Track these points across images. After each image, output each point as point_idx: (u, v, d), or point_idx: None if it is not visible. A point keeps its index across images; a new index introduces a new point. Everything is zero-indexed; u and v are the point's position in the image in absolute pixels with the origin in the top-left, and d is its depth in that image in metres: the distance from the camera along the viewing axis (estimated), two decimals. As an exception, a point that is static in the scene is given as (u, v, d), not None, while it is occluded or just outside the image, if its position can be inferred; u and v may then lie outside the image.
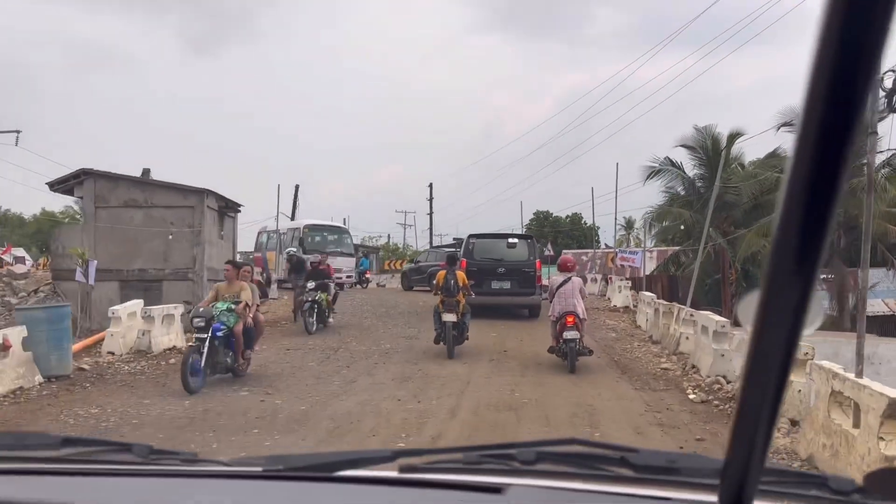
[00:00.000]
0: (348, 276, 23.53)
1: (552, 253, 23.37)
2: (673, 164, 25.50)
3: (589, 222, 50.23)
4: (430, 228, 47.22)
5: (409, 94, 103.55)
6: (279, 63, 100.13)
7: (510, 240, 15.64)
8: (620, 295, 19.29)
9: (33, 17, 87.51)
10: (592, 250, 36.42)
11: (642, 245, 25.87)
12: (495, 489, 1.03)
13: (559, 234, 53.94)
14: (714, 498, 0.74)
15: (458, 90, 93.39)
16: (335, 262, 18.00)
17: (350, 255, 24.61)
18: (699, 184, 25.09)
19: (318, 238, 23.60)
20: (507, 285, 14.83)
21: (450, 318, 10.30)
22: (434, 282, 11.17)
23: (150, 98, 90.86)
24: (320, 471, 1.16)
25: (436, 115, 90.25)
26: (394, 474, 1.14)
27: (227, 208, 19.39)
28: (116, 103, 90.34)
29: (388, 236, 60.62)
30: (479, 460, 1.17)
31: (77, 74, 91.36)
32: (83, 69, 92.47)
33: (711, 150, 24.18)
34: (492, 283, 14.37)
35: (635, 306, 16.97)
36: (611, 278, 22.93)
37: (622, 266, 25.07)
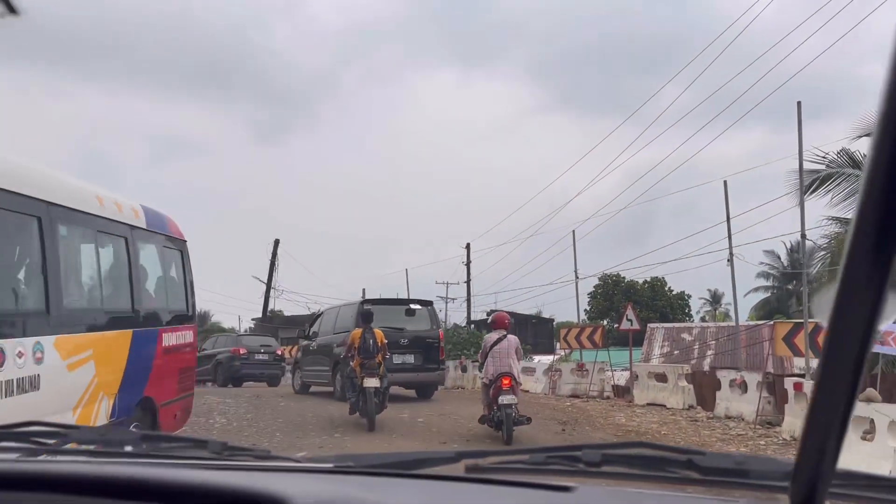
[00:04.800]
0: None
1: (637, 327, 15.73)
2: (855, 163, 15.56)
3: (674, 289, 42.31)
4: (468, 298, 40.85)
5: (470, 175, 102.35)
6: (340, 148, 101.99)
7: (410, 306, 13.97)
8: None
9: (114, 110, 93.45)
10: (699, 323, 28.40)
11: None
12: (564, 488, 1.03)
13: (636, 304, 46.04)
14: (783, 501, 0.76)
15: (519, 169, 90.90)
16: None
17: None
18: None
19: None
20: (410, 359, 13.08)
21: (371, 383, 9.35)
22: (348, 343, 10.12)
23: (223, 183, 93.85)
24: (389, 468, 1.18)
25: (495, 194, 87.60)
26: (460, 473, 1.14)
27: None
28: (193, 189, 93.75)
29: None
30: (545, 461, 1.17)
31: (154, 163, 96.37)
32: (159, 158, 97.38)
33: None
34: (393, 358, 11.95)
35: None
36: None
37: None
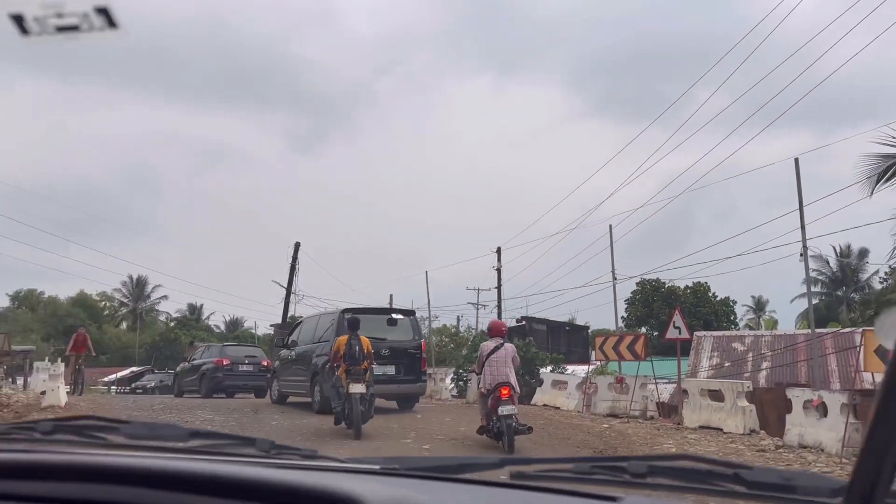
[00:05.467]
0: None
1: (687, 336, 13.26)
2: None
3: (719, 295, 39.70)
4: (499, 304, 38.63)
5: (504, 182, 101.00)
6: (374, 156, 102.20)
7: (392, 315, 13.63)
8: None
9: (157, 122, 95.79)
10: (755, 331, 25.63)
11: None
12: (610, 498, 1.03)
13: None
14: None
15: (554, 175, 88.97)
16: None
17: None
18: None
19: None
20: (391, 370, 12.54)
21: (357, 389, 9.12)
22: (333, 351, 9.89)
23: (261, 192, 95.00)
24: (434, 472, 1.18)
25: (530, 201, 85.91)
26: (506, 479, 1.14)
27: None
28: (232, 198, 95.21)
29: (458, 318, 52.64)
30: (590, 471, 1.16)
31: (196, 173, 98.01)
32: (200, 168, 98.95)
33: None
34: (373, 369, 11.39)
35: None
36: None
37: None
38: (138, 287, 66.82)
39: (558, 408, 15.19)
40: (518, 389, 9.01)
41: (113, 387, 42.40)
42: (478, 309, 52.47)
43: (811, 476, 1.08)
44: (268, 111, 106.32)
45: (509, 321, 41.30)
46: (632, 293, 42.14)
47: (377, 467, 1.19)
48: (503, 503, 1.05)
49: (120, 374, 44.46)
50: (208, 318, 69.69)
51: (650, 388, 14.04)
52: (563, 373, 25.12)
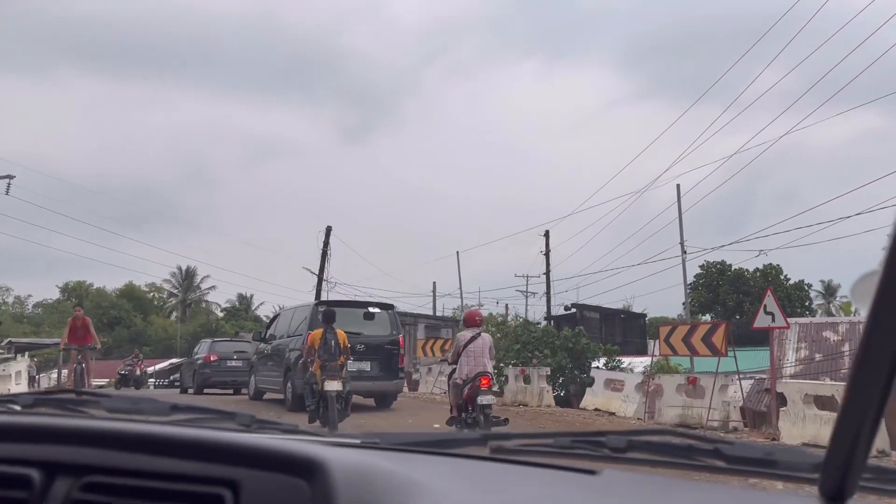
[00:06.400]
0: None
1: (785, 324, 10.20)
2: None
3: (791, 277, 35.83)
4: (548, 291, 35.45)
5: (553, 167, 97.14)
6: (421, 145, 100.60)
7: (369, 309, 12.81)
8: None
9: (208, 117, 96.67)
10: (849, 317, 21.87)
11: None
12: (588, 471, 1.03)
13: (744, 296, 39.60)
14: (811, 492, 0.78)
15: (607, 160, 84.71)
16: None
17: None
18: None
19: None
20: (366, 367, 11.90)
21: (333, 386, 8.66)
22: (307, 345, 9.54)
23: (311, 183, 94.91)
24: (415, 446, 1.19)
25: (580, 186, 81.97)
26: (486, 454, 1.14)
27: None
28: (286, 189, 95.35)
29: (506, 307, 49.77)
30: (570, 445, 1.16)
31: (249, 165, 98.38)
32: (252, 160, 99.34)
33: None
34: (348, 365, 10.53)
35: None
36: None
37: None
38: (187, 278, 66.68)
39: (613, 413, 12.40)
40: (495, 382, 8.99)
41: (151, 380, 41.53)
42: (527, 296, 49.56)
43: (791, 451, 1.08)
44: (317, 103, 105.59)
45: (557, 308, 38.37)
46: (694, 277, 38.52)
47: (357, 441, 1.21)
48: (481, 476, 1.04)
49: (159, 367, 43.51)
50: (257, 308, 69.10)
51: (732, 390, 11.09)
52: (617, 367, 22.10)
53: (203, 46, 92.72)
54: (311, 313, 11.77)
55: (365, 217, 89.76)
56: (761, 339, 33.58)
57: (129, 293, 62.49)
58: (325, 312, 9.68)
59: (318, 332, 9.17)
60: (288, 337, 12.88)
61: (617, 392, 12.90)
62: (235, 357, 18.83)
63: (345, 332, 10.75)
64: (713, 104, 42.12)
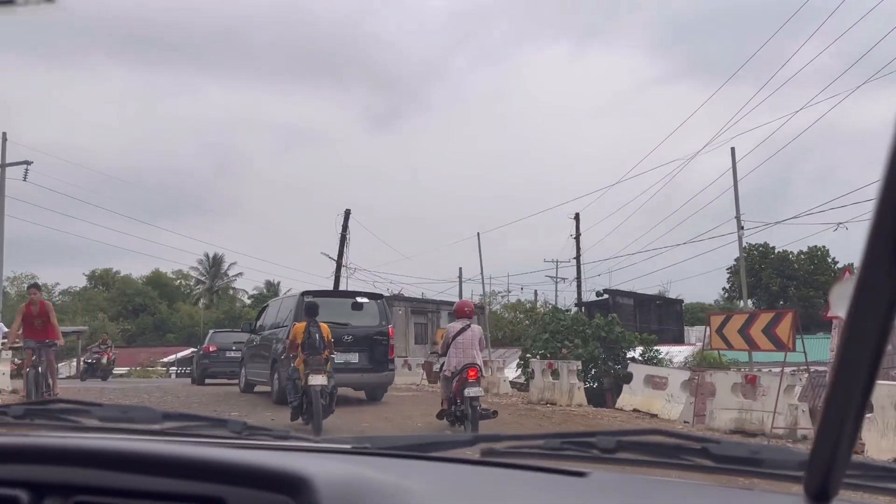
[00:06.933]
0: None
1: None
2: None
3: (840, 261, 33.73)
4: (578, 276, 33.55)
5: (584, 149, 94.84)
6: (449, 131, 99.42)
7: (357, 299, 12.42)
8: None
9: (238, 105, 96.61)
10: None
11: None
12: (578, 473, 1.04)
13: (788, 280, 37.49)
14: (797, 490, 0.78)
15: (638, 143, 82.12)
16: None
17: None
18: None
19: None
20: (354, 359, 11.58)
21: (318, 381, 8.32)
22: (289, 339, 9.18)
23: (339, 170, 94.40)
24: (405, 450, 1.19)
25: (613, 169, 79.63)
26: (476, 457, 1.16)
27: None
28: (313, 177, 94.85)
29: (535, 293, 47.94)
30: (560, 447, 1.17)
31: (277, 153, 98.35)
32: (281, 148, 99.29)
33: None
34: (335, 356, 10.56)
35: None
36: None
37: None
38: (214, 265, 66.38)
39: (655, 415, 10.79)
40: (485, 373, 8.84)
41: (172, 368, 40.97)
42: (556, 282, 47.80)
43: (778, 450, 1.08)
44: (345, 90, 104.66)
45: (589, 294, 36.59)
46: (735, 260, 36.38)
47: (348, 447, 1.20)
48: (471, 480, 1.04)
49: (181, 355, 42.92)
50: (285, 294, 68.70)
51: (798, 390, 9.40)
52: (655, 358, 20.38)
53: (232, 36, 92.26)
54: (296, 304, 11.49)
55: (392, 204, 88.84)
56: (815, 326, 31.29)
57: (156, 280, 62.33)
58: (308, 305, 9.38)
59: (301, 325, 8.91)
60: (274, 329, 12.59)
61: (659, 391, 11.27)
62: (234, 348, 18.52)
63: (332, 322, 10.62)
64: (753, 83, 39.70)
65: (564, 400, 12.12)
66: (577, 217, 37.54)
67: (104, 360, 22.61)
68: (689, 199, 66.24)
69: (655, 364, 18.82)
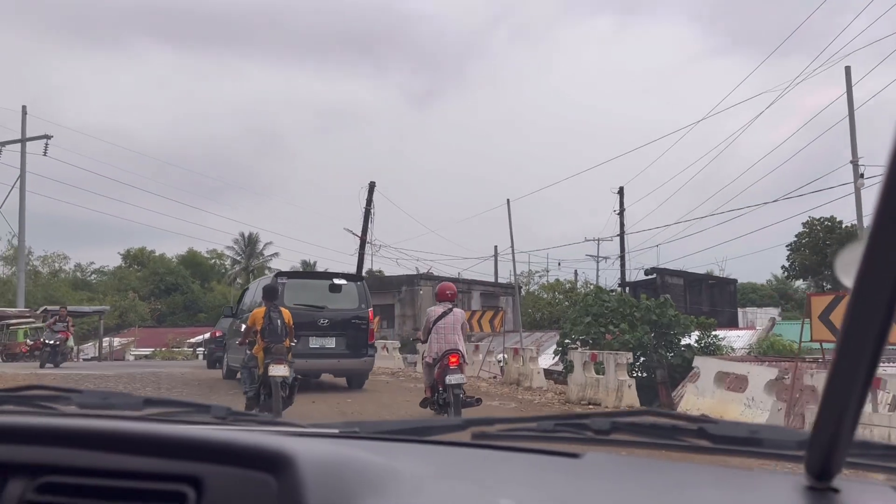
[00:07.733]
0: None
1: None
2: None
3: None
4: (622, 254, 30.92)
5: (628, 125, 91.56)
6: (489, 108, 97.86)
7: (335, 281, 11.89)
8: None
9: (278, 85, 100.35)
10: None
11: None
12: (572, 454, 1.04)
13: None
14: (797, 470, 0.79)
15: (686, 118, 78.79)
16: None
17: None
18: None
19: None
20: (331, 343, 11.20)
21: (279, 371, 7.84)
22: (248, 325, 8.69)
23: (381, 150, 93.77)
24: (395, 434, 1.18)
25: (657, 145, 76.55)
26: (468, 440, 1.14)
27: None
28: (352, 156, 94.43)
29: (575, 272, 45.29)
30: (553, 428, 1.15)
31: (317, 132, 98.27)
32: (323, 128, 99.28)
33: None
34: (310, 341, 10.82)
35: None
36: None
37: None
38: (250, 244, 65.65)
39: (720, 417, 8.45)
40: (468, 360, 8.78)
41: (200, 349, 39.96)
42: (598, 261, 45.07)
43: (776, 429, 1.07)
44: (384, 68, 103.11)
45: (635, 273, 33.89)
46: (796, 236, 33.18)
47: (336, 431, 1.18)
48: (462, 462, 1.02)
49: (208, 335, 41.82)
50: (322, 274, 67.85)
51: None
52: (714, 345, 17.83)
53: (272, 16, 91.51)
54: (264, 287, 10.98)
55: (428, 179, 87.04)
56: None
57: (190, 260, 61.72)
58: (267, 288, 8.87)
59: (261, 310, 8.38)
60: (248, 312, 11.91)
61: (736, 392, 8.89)
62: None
63: (308, 305, 10.03)
64: (803, 56, 36.19)
65: (611, 400, 9.85)
66: (620, 191, 34.78)
67: (67, 341, 17.95)
68: (748, 168, 62.45)
69: (713, 353, 16.34)
